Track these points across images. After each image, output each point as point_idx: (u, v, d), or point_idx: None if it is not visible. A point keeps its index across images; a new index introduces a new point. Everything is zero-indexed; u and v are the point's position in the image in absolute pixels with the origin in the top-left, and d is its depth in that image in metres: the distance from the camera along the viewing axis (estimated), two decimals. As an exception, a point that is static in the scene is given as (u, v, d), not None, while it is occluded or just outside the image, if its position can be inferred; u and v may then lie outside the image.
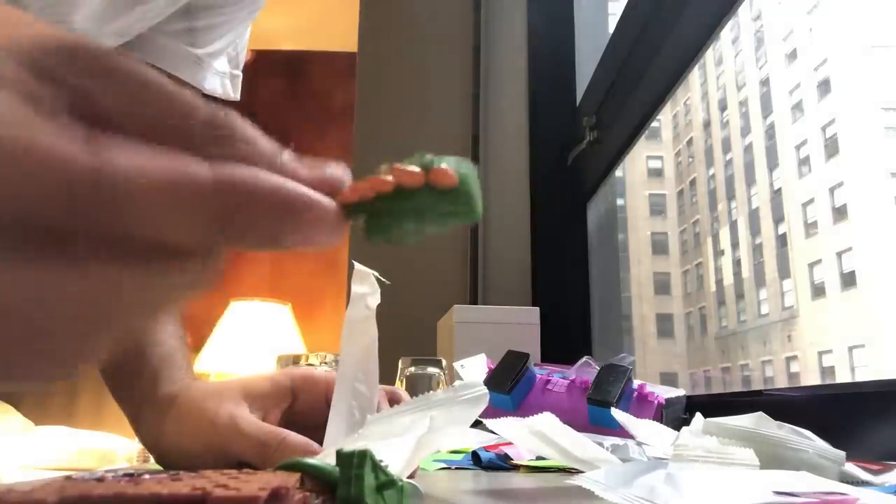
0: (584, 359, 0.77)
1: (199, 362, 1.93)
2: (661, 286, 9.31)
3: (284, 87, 2.56)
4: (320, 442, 0.40)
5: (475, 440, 0.58)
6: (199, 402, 0.44)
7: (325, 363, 0.69)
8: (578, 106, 1.58)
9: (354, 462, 0.20)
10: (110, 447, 1.92)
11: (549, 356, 1.08)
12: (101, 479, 0.18)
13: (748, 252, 7.07)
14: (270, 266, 2.22)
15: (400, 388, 0.61)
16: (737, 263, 7.29)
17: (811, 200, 5.30)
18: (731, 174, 7.40)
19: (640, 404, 0.65)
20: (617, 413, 0.51)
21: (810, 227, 5.36)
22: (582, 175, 1.49)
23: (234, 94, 0.64)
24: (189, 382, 0.48)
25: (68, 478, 0.18)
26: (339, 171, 0.20)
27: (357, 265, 0.40)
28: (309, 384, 0.47)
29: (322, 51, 2.47)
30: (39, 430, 1.96)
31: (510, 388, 0.67)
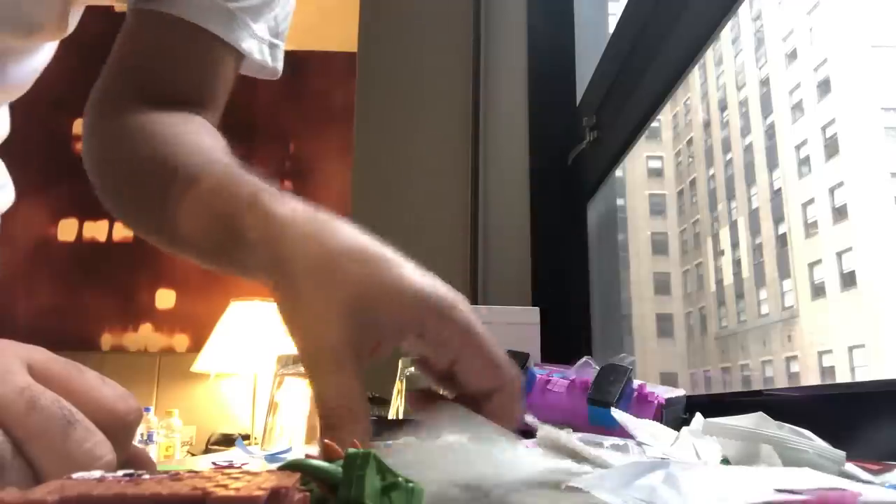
0: (584, 359, 0.77)
1: (199, 362, 1.93)
2: (661, 286, 9.31)
3: (284, 87, 2.56)
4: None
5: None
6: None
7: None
8: (578, 106, 1.58)
9: (358, 463, 0.20)
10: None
11: (549, 356, 1.08)
12: (101, 479, 0.18)
13: (748, 252, 7.07)
14: (270, 266, 2.22)
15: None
16: (737, 263, 7.29)
17: (811, 200, 5.29)
18: (731, 174, 7.40)
19: (640, 404, 0.65)
20: (617, 413, 0.51)
21: (810, 227, 5.35)
22: (582, 175, 1.49)
23: (276, 64, 0.59)
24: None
25: (68, 477, 0.18)
26: None
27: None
28: (440, 340, 0.35)
29: (322, 51, 2.47)
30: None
31: (510, 388, 0.67)
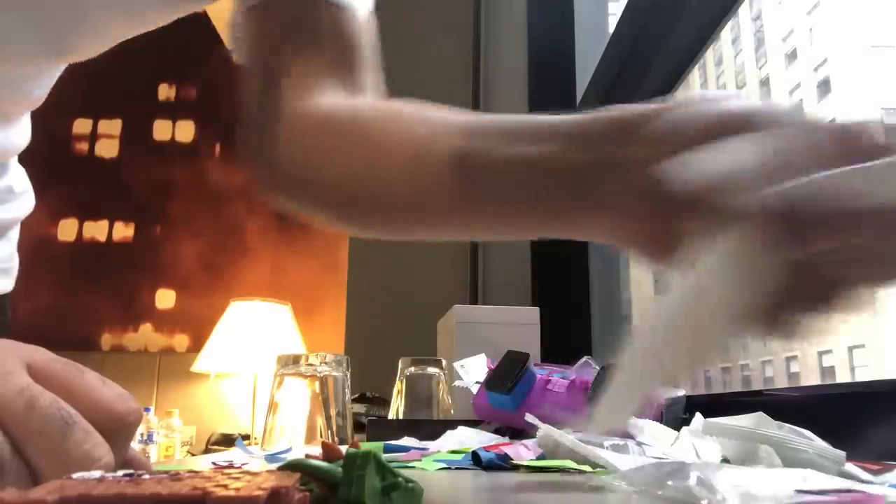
0: (584, 359, 0.77)
1: (199, 362, 1.93)
2: (662, 286, 9.31)
3: (284, 87, 2.54)
4: None
5: (475, 440, 0.59)
6: None
7: (325, 363, 0.70)
8: (578, 106, 1.58)
9: (358, 463, 0.20)
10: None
11: (549, 356, 1.08)
12: (101, 480, 0.18)
13: (748, 252, 7.07)
14: (270, 266, 2.22)
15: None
16: (737, 263, 7.29)
17: (811, 200, 5.29)
18: (731, 174, 7.40)
19: (640, 404, 0.65)
20: (617, 413, 0.51)
21: (810, 227, 5.36)
22: (582, 175, 1.49)
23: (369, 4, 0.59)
24: None
25: (68, 477, 0.18)
26: None
27: None
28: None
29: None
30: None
31: (510, 388, 0.67)
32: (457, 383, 0.76)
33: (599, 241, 0.35)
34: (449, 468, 0.47)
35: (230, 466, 0.41)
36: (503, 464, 0.47)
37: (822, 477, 0.30)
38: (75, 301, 2.18)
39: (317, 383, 0.68)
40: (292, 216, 0.50)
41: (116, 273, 2.21)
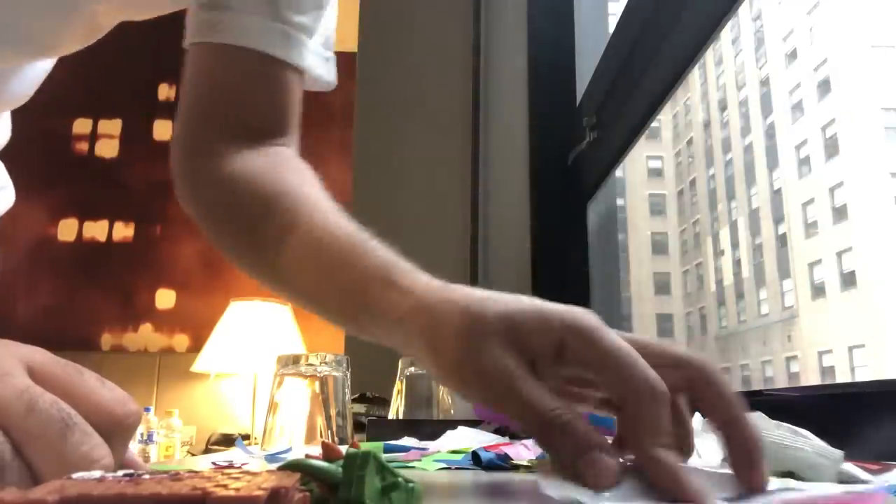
0: (584, 359, 0.76)
1: (199, 362, 1.93)
2: (661, 286, 9.30)
3: (284, 87, 2.54)
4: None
5: (475, 440, 0.59)
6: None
7: (325, 363, 0.70)
8: (578, 106, 1.58)
9: (358, 463, 0.20)
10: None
11: (549, 356, 1.07)
12: (101, 480, 0.18)
13: (748, 252, 7.07)
14: (270, 266, 2.22)
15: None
16: (737, 263, 7.29)
17: (811, 200, 5.30)
18: (731, 174, 7.40)
19: (640, 404, 0.65)
20: (617, 413, 0.50)
21: (810, 227, 5.36)
22: (582, 175, 1.49)
23: (331, 78, 0.59)
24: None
25: (68, 478, 0.18)
26: None
27: None
28: (577, 332, 0.33)
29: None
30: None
31: (510, 388, 0.67)
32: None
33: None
34: (449, 468, 0.47)
35: (230, 466, 0.41)
36: (503, 464, 0.47)
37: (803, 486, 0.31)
38: (75, 301, 2.18)
39: (317, 383, 0.68)
40: None
41: (116, 273, 2.21)
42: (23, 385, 0.25)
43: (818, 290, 5.08)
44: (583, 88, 1.57)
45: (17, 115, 0.67)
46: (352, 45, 2.01)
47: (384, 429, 0.71)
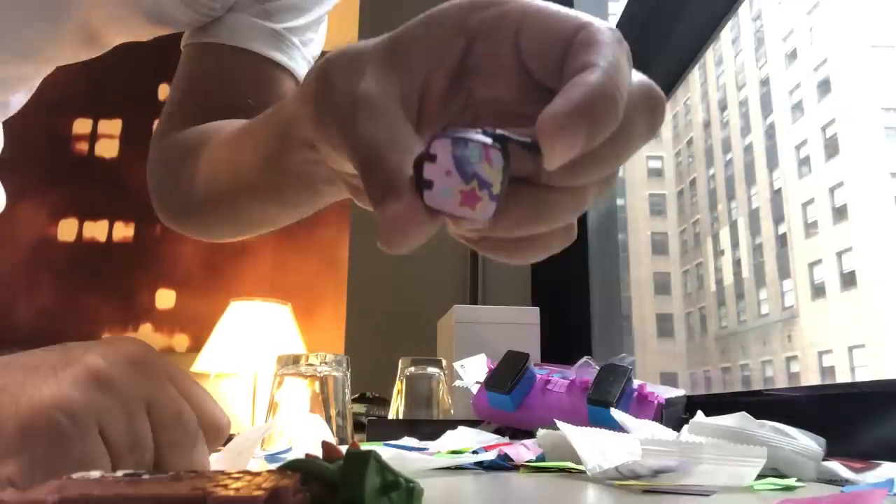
0: (584, 359, 0.77)
1: (199, 362, 1.93)
2: (661, 286, 9.30)
3: (284, 87, 2.54)
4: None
5: (475, 440, 0.59)
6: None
7: (325, 363, 0.70)
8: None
9: (358, 463, 0.20)
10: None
11: (549, 356, 1.08)
12: (101, 479, 0.18)
13: (748, 252, 7.07)
14: (270, 266, 2.22)
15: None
16: (737, 263, 7.29)
17: (811, 200, 5.30)
18: (731, 174, 7.40)
19: (640, 404, 0.65)
20: (617, 413, 0.51)
21: (810, 227, 5.36)
22: (582, 175, 1.49)
23: None
24: None
25: (68, 477, 0.18)
26: None
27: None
28: (492, 23, 0.25)
29: (322, 50, 2.46)
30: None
31: (510, 388, 0.67)
32: (457, 383, 0.76)
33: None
34: (449, 468, 0.47)
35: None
36: (503, 464, 0.47)
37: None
38: (75, 301, 2.18)
39: (317, 383, 0.68)
40: None
41: (116, 273, 2.21)
42: (173, 394, 0.28)
43: (818, 290, 5.08)
44: (583, 88, 1.57)
45: (17, 114, 0.67)
46: (352, 45, 2.01)
47: (384, 429, 0.71)
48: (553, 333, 1.25)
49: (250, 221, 0.47)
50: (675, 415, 0.67)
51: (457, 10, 0.26)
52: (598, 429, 0.43)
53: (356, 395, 1.38)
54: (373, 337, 1.93)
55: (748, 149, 6.79)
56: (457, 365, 0.77)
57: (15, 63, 0.56)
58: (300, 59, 0.56)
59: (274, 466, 0.24)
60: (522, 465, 0.47)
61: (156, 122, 0.60)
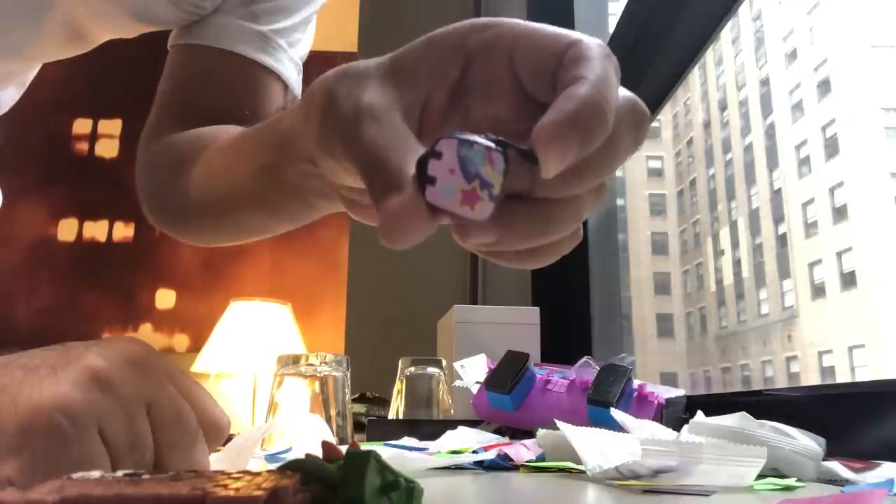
0: (584, 359, 0.77)
1: (199, 362, 1.93)
2: (661, 286, 9.31)
3: (284, 87, 2.54)
4: None
5: (475, 440, 0.59)
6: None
7: (325, 363, 0.70)
8: (578, 106, 1.58)
9: (358, 463, 0.20)
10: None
11: (549, 356, 1.08)
12: (100, 479, 0.18)
13: (748, 252, 7.07)
14: (270, 266, 2.22)
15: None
16: (737, 263, 7.29)
17: (811, 200, 5.30)
18: (731, 174, 7.40)
19: (640, 404, 0.65)
20: (617, 413, 0.51)
21: (810, 227, 5.36)
22: (582, 175, 1.49)
23: (298, 91, 0.58)
24: None
25: (68, 477, 0.18)
26: None
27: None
28: (489, 43, 0.27)
29: (322, 51, 2.46)
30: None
31: (510, 388, 0.67)
32: (457, 383, 0.76)
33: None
34: (449, 468, 0.47)
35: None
36: (503, 464, 0.47)
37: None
38: (75, 301, 2.18)
39: (317, 383, 0.68)
40: None
41: (116, 273, 2.21)
42: (173, 393, 0.28)
43: (818, 290, 5.08)
44: (583, 88, 1.57)
45: (17, 114, 0.67)
46: (352, 45, 2.01)
47: (384, 429, 0.71)
48: (553, 333, 1.25)
49: (244, 230, 0.48)
50: (675, 415, 0.67)
51: (456, 33, 0.28)
52: (598, 429, 0.43)
53: (356, 395, 1.38)
54: (373, 337, 1.93)
55: (748, 149, 6.80)
56: (457, 365, 0.77)
57: (1, 59, 0.56)
58: (287, 62, 0.56)
59: (274, 466, 0.24)
60: (522, 465, 0.47)
61: (152, 123, 0.60)
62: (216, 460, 0.35)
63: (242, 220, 0.45)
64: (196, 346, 2.04)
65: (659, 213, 9.51)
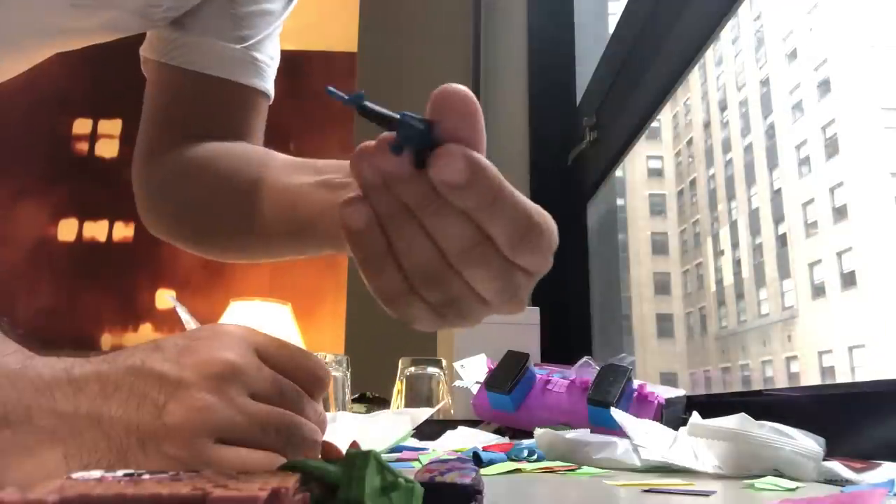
0: (584, 359, 0.77)
1: (199, 362, 1.94)
2: (661, 286, 9.30)
3: (284, 87, 2.54)
4: None
5: (475, 440, 0.59)
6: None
7: (325, 363, 0.69)
8: (578, 106, 1.58)
9: (358, 463, 0.20)
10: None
11: (549, 356, 1.08)
12: (101, 479, 0.18)
13: (748, 252, 7.07)
14: (270, 266, 2.22)
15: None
16: (737, 263, 7.28)
17: (811, 200, 5.29)
18: (731, 174, 7.40)
19: (640, 404, 0.65)
20: (616, 413, 0.51)
21: (810, 227, 5.35)
22: (582, 175, 1.49)
23: (272, 91, 0.63)
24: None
25: (68, 477, 0.18)
26: None
27: None
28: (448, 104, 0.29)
29: (322, 51, 2.47)
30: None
31: (510, 388, 0.67)
32: (457, 383, 0.76)
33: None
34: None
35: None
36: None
37: None
38: (75, 301, 2.18)
39: (317, 383, 0.68)
40: None
41: (116, 273, 2.21)
42: (270, 375, 0.31)
43: (818, 290, 5.07)
44: (583, 88, 1.57)
45: (17, 114, 0.67)
46: (352, 45, 2.01)
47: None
48: (553, 333, 1.25)
49: (251, 254, 0.55)
50: (675, 415, 0.67)
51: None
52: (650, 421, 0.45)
53: (356, 395, 1.38)
54: (373, 337, 1.93)
55: (748, 149, 6.79)
56: (457, 365, 0.77)
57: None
58: (271, 74, 0.60)
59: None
60: (522, 465, 0.47)
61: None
62: None
63: (252, 246, 0.53)
64: (196, 346, 2.04)
65: (659, 213, 9.50)
